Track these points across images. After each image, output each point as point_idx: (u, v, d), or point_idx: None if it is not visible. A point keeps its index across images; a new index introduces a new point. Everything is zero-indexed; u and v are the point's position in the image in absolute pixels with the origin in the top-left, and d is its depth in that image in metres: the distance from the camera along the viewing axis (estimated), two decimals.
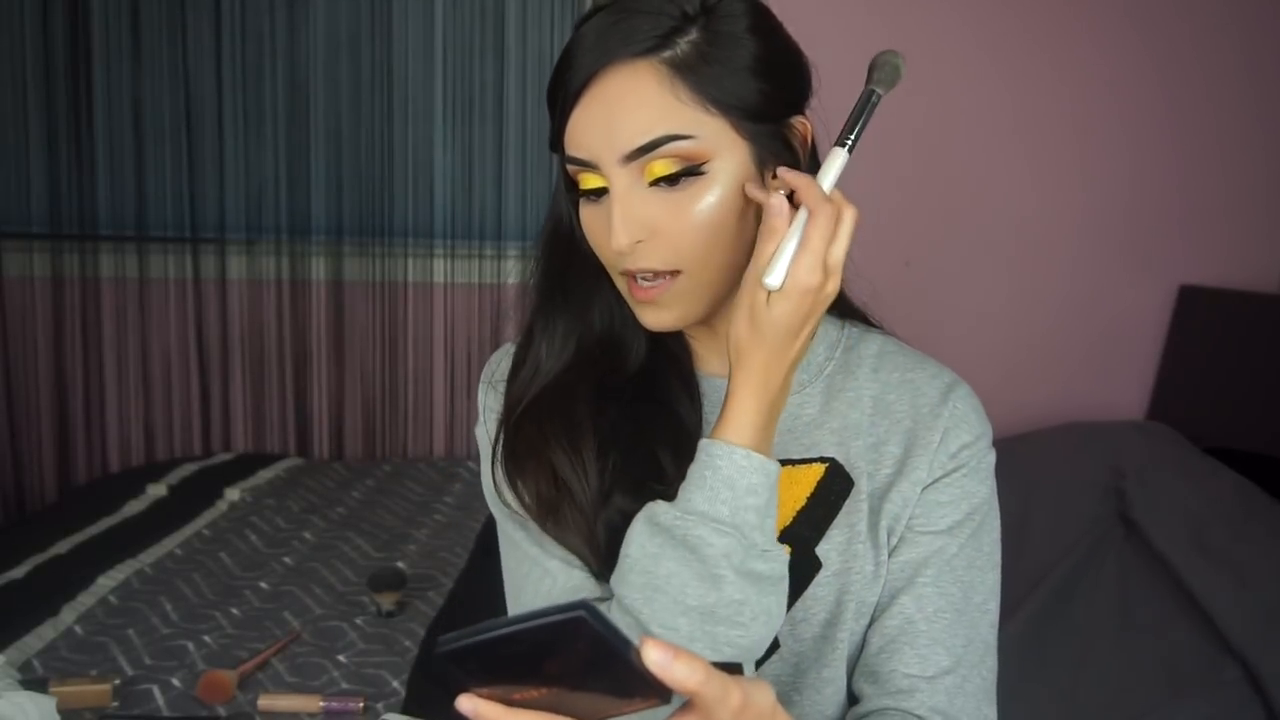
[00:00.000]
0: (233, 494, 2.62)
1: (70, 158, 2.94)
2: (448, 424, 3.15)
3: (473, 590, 2.08)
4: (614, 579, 0.80)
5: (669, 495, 0.80)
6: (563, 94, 0.82)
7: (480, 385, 0.96)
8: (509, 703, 0.57)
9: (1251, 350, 2.67)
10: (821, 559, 0.86)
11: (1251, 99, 2.83)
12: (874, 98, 0.81)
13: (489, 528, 2.08)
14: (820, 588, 0.86)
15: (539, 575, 0.86)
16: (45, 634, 1.87)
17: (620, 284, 0.85)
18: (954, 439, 0.87)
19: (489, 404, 0.94)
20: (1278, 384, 2.57)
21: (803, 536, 0.86)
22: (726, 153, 0.80)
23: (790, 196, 0.78)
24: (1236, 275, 2.84)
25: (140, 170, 2.98)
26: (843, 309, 0.94)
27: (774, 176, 0.84)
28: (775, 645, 0.86)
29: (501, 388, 0.92)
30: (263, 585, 2.13)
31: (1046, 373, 2.92)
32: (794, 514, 0.86)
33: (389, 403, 3.13)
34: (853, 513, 0.87)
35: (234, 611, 2.01)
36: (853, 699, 0.89)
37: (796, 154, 0.84)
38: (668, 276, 0.82)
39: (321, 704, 1.66)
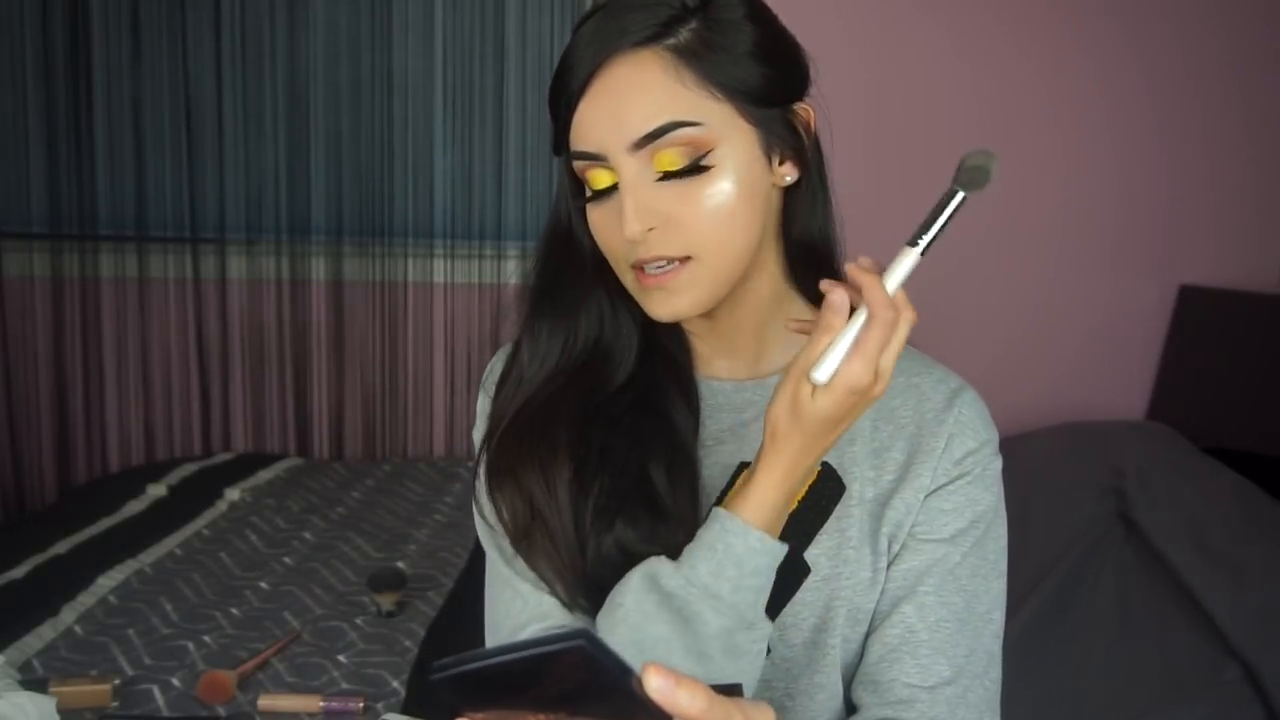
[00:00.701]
0: (233, 494, 2.62)
1: (70, 158, 2.94)
2: (448, 424, 3.15)
3: (473, 590, 2.07)
4: (602, 626, 0.79)
5: (660, 530, 0.81)
6: (567, 91, 0.82)
7: (480, 390, 0.96)
8: None
9: (1251, 350, 2.67)
10: (810, 564, 0.85)
11: (1252, 99, 2.83)
12: (957, 199, 0.75)
13: None
14: (808, 593, 0.85)
15: (510, 596, 0.87)
16: (45, 634, 1.87)
17: (628, 279, 0.85)
18: (959, 445, 0.87)
19: (483, 410, 0.94)
20: (1278, 384, 2.57)
21: (793, 541, 0.85)
22: (734, 138, 0.81)
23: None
24: (1236, 275, 2.84)
25: (140, 170, 2.98)
26: None
27: (780, 163, 0.85)
28: (766, 650, 0.86)
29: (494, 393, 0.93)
30: (263, 585, 2.13)
31: (1046, 373, 2.92)
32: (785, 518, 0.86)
33: (389, 403, 3.13)
34: (844, 518, 0.86)
35: (234, 611, 2.01)
36: (852, 708, 0.88)
37: (801, 139, 0.85)
38: (679, 263, 0.81)
39: (321, 704, 1.66)
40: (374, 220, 3.05)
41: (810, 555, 0.85)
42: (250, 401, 3.09)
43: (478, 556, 2.23)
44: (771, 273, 0.89)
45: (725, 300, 0.85)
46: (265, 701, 1.67)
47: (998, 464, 0.89)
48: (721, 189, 0.80)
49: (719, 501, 0.87)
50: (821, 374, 0.74)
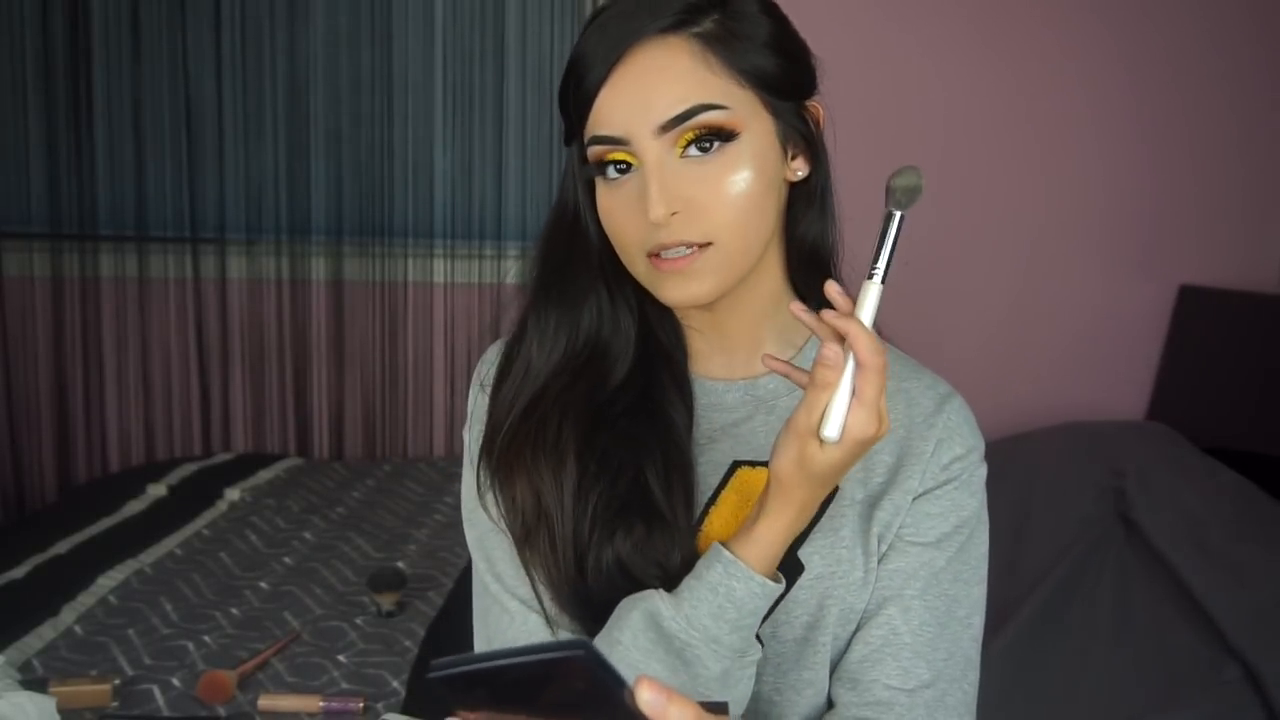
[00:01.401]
0: (233, 494, 2.62)
1: (70, 158, 2.94)
2: (448, 424, 3.15)
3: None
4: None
5: (655, 540, 0.81)
6: (586, 78, 0.82)
7: (471, 388, 0.95)
8: None
9: (1251, 350, 2.68)
10: (804, 562, 0.86)
11: (1252, 99, 2.83)
12: (897, 220, 0.77)
13: None
14: (802, 590, 0.85)
15: (498, 613, 0.87)
16: (45, 634, 1.87)
17: (641, 267, 0.84)
18: (946, 450, 0.88)
19: (478, 408, 0.93)
20: (1278, 384, 2.57)
21: None
22: (756, 126, 0.82)
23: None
24: (1236, 275, 2.84)
25: (140, 170, 2.97)
26: None
27: (793, 158, 0.86)
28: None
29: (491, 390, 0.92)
30: (263, 585, 2.13)
31: (1046, 373, 2.92)
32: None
33: (389, 403, 3.13)
34: (836, 517, 0.86)
35: (234, 611, 2.01)
36: (829, 703, 0.88)
37: (812, 134, 0.86)
38: (698, 248, 0.81)
39: (321, 704, 1.66)
40: (374, 220, 3.05)
41: (803, 553, 0.86)
42: (250, 401, 3.09)
43: None
44: (774, 271, 0.89)
45: (729, 294, 0.85)
46: (265, 701, 1.67)
47: (983, 471, 0.90)
48: (744, 175, 0.81)
49: (713, 500, 0.88)
50: (832, 431, 0.74)
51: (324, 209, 3.04)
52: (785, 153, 0.85)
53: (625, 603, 0.80)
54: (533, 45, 3.00)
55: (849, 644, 0.87)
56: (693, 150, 0.80)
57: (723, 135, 0.80)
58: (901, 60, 2.76)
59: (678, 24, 0.80)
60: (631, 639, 0.78)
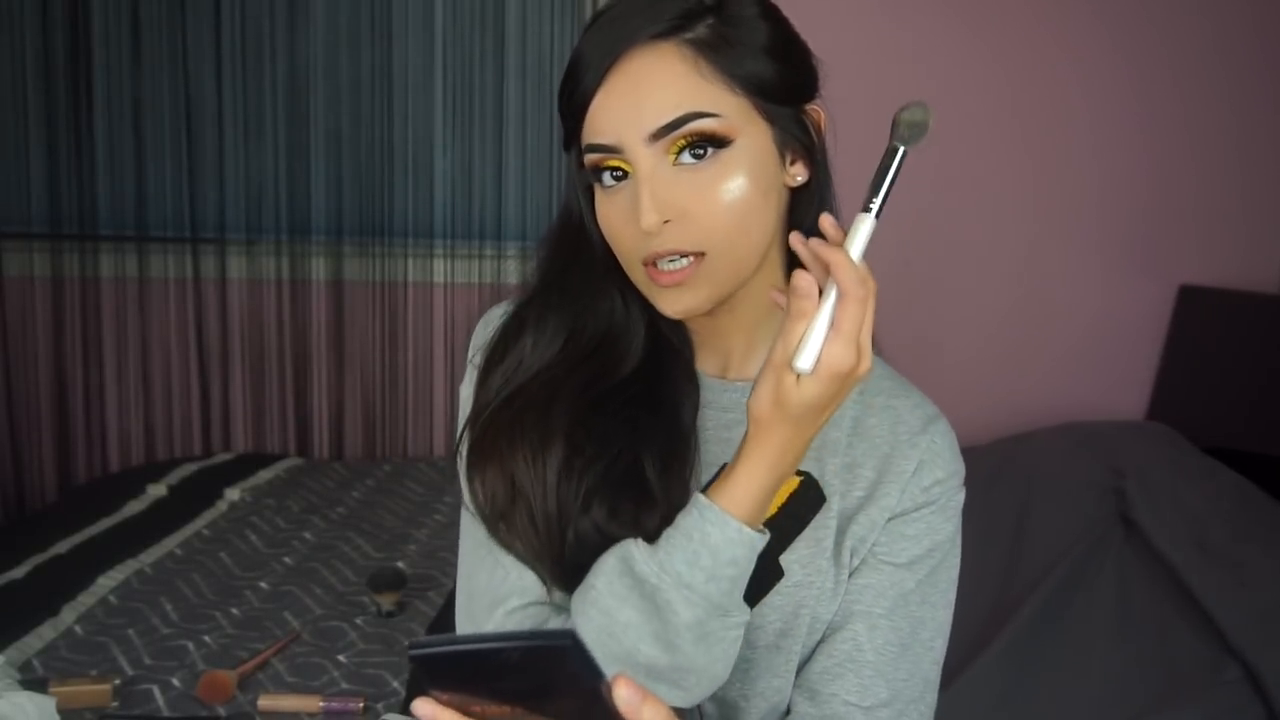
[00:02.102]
0: (233, 494, 2.62)
1: (70, 158, 2.94)
2: (448, 424, 3.15)
3: None
4: (575, 607, 0.80)
5: (643, 520, 0.81)
6: (580, 84, 0.82)
7: (473, 342, 0.94)
8: (467, 714, 0.57)
9: (1251, 350, 2.68)
10: (784, 568, 0.86)
11: (1252, 99, 2.83)
12: (899, 155, 0.74)
13: None
14: (778, 596, 0.86)
15: (492, 565, 0.87)
16: (45, 634, 1.87)
17: (638, 275, 0.84)
18: (928, 473, 0.87)
19: (469, 375, 0.93)
20: (1278, 384, 2.57)
21: (769, 544, 0.85)
22: (750, 132, 0.81)
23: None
24: (1236, 275, 2.84)
25: (140, 170, 2.97)
26: None
27: (791, 163, 0.85)
28: None
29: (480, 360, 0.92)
30: (263, 585, 2.13)
31: (1046, 373, 2.92)
32: (763, 522, 0.86)
33: (389, 403, 3.13)
34: (820, 528, 0.87)
35: (234, 611, 2.01)
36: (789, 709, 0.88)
37: (812, 140, 0.85)
38: (693, 259, 0.81)
39: (321, 704, 1.67)
40: (374, 220, 3.05)
41: (784, 560, 0.86)
42: (250, 401, 3.09)
43: None
44: (774, 276, 0.89)
45: (727, 300, 0.85)
46: (265, 701, 1.68)
47: (961, 496, 0.90)
48: (738, 183, 0.80)
49: (703, 491, 0.88)
50: (805, 362, 0.72)
51: (324, 209, 3.04)
52: (783, 159, 0.84)
53: (604, 554, 0.80)
54: (533, 45, 3.00)
55: (812, 654, 0.87)
56: (686, 157, 0.80)
57: (716, 142, 0.79)
58: (901, 60, 2.76)
59: (671, 30, 0.80)
60: (606, 584, 0.78)
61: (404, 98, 3.01)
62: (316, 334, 3.09)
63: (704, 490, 0.80)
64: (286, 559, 2.27)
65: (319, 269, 3.06)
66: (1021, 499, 2.36)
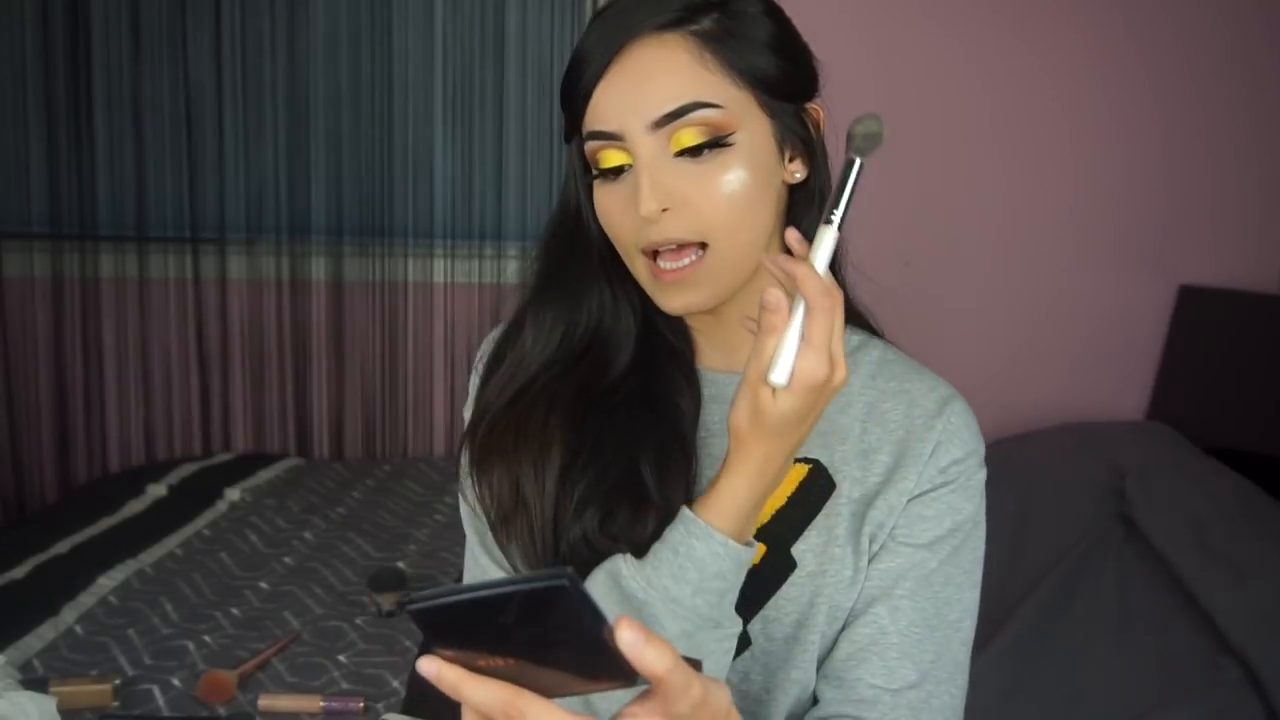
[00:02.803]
0: (233, 494, 2.62)
1: (70, 158, 2.94)
2: (448, 424, 3.15)
3: None
4: None
5: (640, 524, 0.81)
6: (584, 73, 0.82)
7: (473, 369, 0.96)
8: (472, 669, 0.57)
9: (1251, 350, 2.68)
10: (797, 559, 0.86)
11: (1254, 99, 2.83)
12: (856, 167, 0.75)
13: None
14: (794, 587, 0.85)
15: (479, 574, 0.89)
16: (45, 634, 1.87)
17: (640, 268, 0.85)
18: (945, 453, 0.87)
19: (475, 390, 0.94)
20: (1278, 384, 2.57)
21: (779, 536, 0.85)
22: (751, 126, 0.81)
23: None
24: (1236, 275, 2.84)
25: (140, 170, 2.97)
26: (846, 313, 0.94)
27: (791, 160, 0.85)
28: (747, 643, 0.86)
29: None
30: (263, 585, 2.13)
31: (1046, 373, 2.92)
32: (772, 513, 0.86)
33: (389, 403, 3.13)
34: (831, 515, 0.86)
35: (234, 611, 2.01)
36: (814, 700, 0.88)
37: (811, 137, 0.86)
38: (694, 252, 0.81)
39: (321, 704, 1.67)
40: (374, 220, 3.05)
41: (797, 551, 0.86)
42: (250, 401, 3.09)
43: None
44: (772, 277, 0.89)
45: (733, 293, 0.85)
46: (265, 701, 1.68)
47: (982, 475, 0.90)
48: (737, 174, 0.81)
49: (689, 505, 0.88)
50: (779, 376, 0.72)
51: (324, 209, 3.04)
52: (783, 154, 0.84)
53: (594, 570, 0.80)
54: (533, 45, 3.00)
55: (836, 642, 0.86)
56: (686, 154, 0.80)
57: (717, 136, 0.80)
58: (901, 59, 2.76)
59: (676, 21, 0.80)
60: (596, 599, 0.78)
61: (404, 98, 3.01)
62: (316, 334, 3.09)
63: (689, 503, 0.80)
64: (287, 559, 2.27)
65: (319, 269, 3.06)
66: (1021, 499, 2.36)
